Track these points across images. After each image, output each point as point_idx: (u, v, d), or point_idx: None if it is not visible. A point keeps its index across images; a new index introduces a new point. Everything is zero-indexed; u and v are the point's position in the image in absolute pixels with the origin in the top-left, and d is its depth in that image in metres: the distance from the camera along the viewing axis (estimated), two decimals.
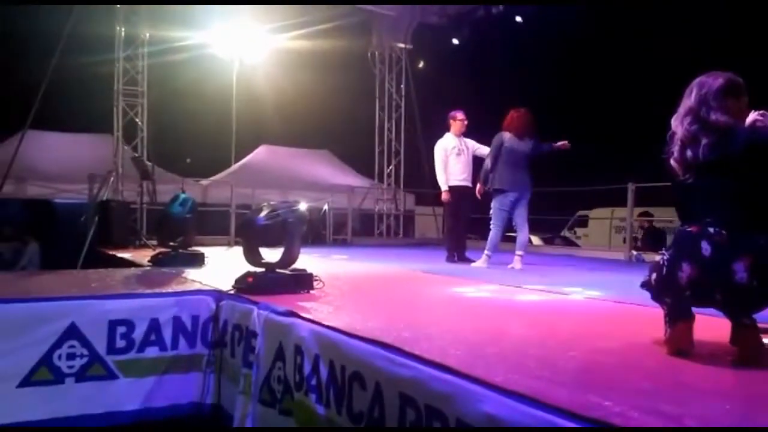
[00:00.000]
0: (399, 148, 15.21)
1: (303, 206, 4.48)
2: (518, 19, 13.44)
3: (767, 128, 2.61)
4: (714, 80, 2.65)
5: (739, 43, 13.70)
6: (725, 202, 2.50)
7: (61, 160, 13.18)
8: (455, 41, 14.56)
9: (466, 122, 7.67)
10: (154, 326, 3.75)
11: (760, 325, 2.56)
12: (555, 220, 16.97)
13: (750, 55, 12.52)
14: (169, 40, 12.33)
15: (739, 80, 2.67)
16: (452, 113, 7.72)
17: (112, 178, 10.98)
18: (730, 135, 2.54)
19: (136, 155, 11.41)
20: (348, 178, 15.73)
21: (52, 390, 3.46)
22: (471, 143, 7.69)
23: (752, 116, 2.73)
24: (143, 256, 6.86)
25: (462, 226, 7.90)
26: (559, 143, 6.97)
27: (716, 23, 14.05)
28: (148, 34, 12.14)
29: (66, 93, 13.28)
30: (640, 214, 12.36)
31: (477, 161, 7.62)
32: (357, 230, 13.85)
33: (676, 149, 2.64)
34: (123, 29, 11.91)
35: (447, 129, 7.72)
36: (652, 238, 10.99)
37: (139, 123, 12.18)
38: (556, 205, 14.13)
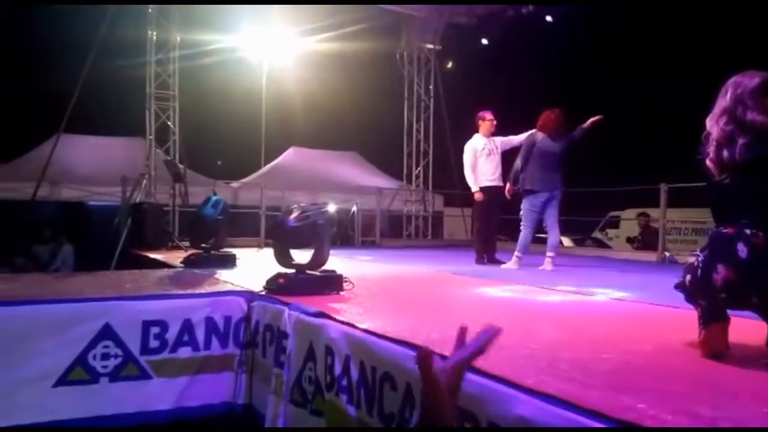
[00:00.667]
0: (428, 149, 15.18)
1: (332, 208, 4.51)
2: (548, 18, 13.32)
3: None
4: (750, 80, 2.61)
5: None
6: (762, 203, 2.46)
7: (94, 163, 13.43)
8: (484, 41, 14.49)
9: (495, 122, 7.63)
10: (187, 327, 3.81)
11: None
12: (586, 221, 16.79)
13: None
14: (200, 44, 12.49)
15: None
16: (481, 113, 7.69)
17: (144, 181, 11.13)
18: (767, 135, 2.50)
19: (169, 158, 11.54)
20: (376, 179, 15.76)
21: (87, 389, 3.53)
22: (499, 141, 7.65)
23: None
24: (176, 257, 6.95)
25: (492, 227, 7.86)
26: (590, 120, 6.91)
27: (752, 22, 13.79)
28: (179, 38, 12.30)
29: (99, 97, 13.53)
30: (639, 215, 12.29)
31: (507, 159, 7.57)
32: (385, 232, 13.85)
33: (711, 149, 2.60)
34: (155, 33, 12.09)
35: (476, 130, 7.69)
36: (651, 238, 10.94)
37: (171, 126, 12.33)
38: (587, 206, 13.98)
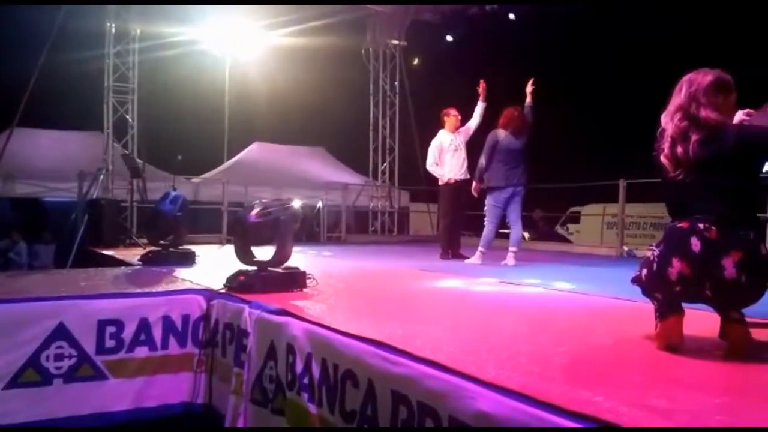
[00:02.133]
0: (393, 145, 15.17)
1: (296, 204, 4.46)
2: (511, 16, 13.44)
3: (755, 126, 2.62)
4: (704, 77, 2.66)
5: (728, 42, 13.74)
6: (715, 199, 2.51)
7: (50, 158, 13.08)
8: (449, 38, 14.54)
9: (459, 118, 7.70)
10: (144, 326, 3.73)
11: (748, 319, 2.58)
12: (548, 216, 16.99)
13: (739, 53, 12.57)
14: (161, 36, 12.24)
15: (728, 77, 2.68)
16: (445, 110, 7.77)
17: (102, 176, 10.90)
18: (719, 132, 2.55)
19: (127, 153, 11.35)
20: (342, 175, 15.68)
21: (39, 391, 3.43)
22: (463, 134, 7.71)
23: (739, 115, 2.75)
24: (133, 254, 6.84)
25: (457, 222, 7.92)
26: (528, 93, 7.09)
27: (706, 22, 14.09)
28: (138, 30, 12.06)
29: (55, 90, 13.16)
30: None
31: (472, 154, 7.63)
32: (351, 228, 13.82)
33: (666, 146, 2.64)
34: (113, 25, 11.84)
35: (441, 126, 7.76)
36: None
37: (130, 120, 12.11)
38: (548, 202, 14.16)
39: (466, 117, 7.74)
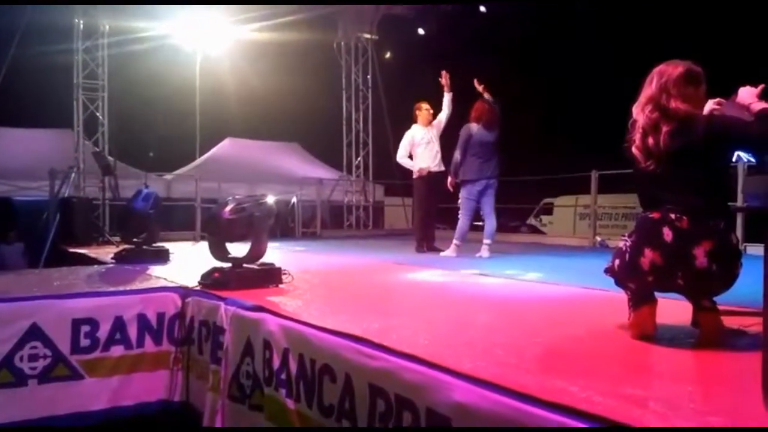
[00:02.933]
0: (367, 140, 15.16)
1: (270, 199, 4.43)
2: (482, 9, 13.49)
3: (724, 116, 2.66)
4: (674, 69, 2.69)
5: (697, 33, 13.94)
6: (686, 189, 2.54)
7: (19, 157, 12.81)
8: (421, 31, 14.55)
9: (431, 111, 7.72)
10: (119, 324, 3.70)
11: (720, 307, 2.63)
12: (521, 208, 17.14)
13: (708, 43, 12.77)
14: (130, 32, 12.05)
15: (698, 69, 2.71)
16: (417, 104, 7.78)
17: (73, 174, 10.74)
18: (689, 123, 2.58)
19: (98, 150, 11.20)
20: (316, 170, 15.63)
21: (13, 392, 3.38)
22: (436, 126, 7.73)
23: (709, 105, 2.78)
24: (107, 253, 6.75)
25: (431, 215, 7.95)
26: (482, 89, 7.18)
27: (676, 13, 14.28)
28: (107, 26, 11.88)
29: (23, 87, 12.94)
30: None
31: (446, 150, 7.66)
32: (326, 223, 13.79)
33: (637, 137, 2.67)
34: (82, 21, 11.64)
35: (414, 120, 7.77)
36: None
37: (100, 117, 11.95)
38: (522, 194, 14.26)
39: (438, 111, 7.75)
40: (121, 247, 6.32)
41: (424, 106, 7.73)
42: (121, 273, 5.10)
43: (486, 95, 7.11)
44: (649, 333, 2.60)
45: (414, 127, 7.75)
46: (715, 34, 13.90)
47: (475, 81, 7.17)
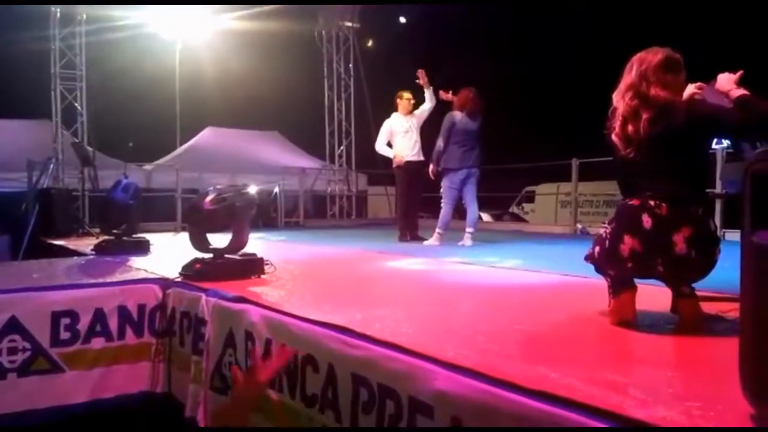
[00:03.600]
0: (350, 129, 15.11)
1: (252, 189, 4.41)
2: None
3: (704, 102, 2.68)
4: (654, 56, 2.70)
5: (676, 19, 14.03)
6: (665, 176, 2.56)
7: None
8: (402, 20, 14.49)
9: (412, 101, 7.71)
10: (99, 316, 3.66)
11: (699, 293, 2.65)
12: (504, 196, 17.20)
13: (687, 30, 12.85)
14: (108, 20, 11.90)
15: (677, 56, 2.72)
16: (399, 93, 7.76)
17: (51, 165, 10.63)
18: (669, 110, 2.59)
19: (76, 140, 11.08)
20: (298, 159, 15.56)
21: None
22: (417, 116, 7.73)
23: (690, 89, 2.79)
24: (86, 244, 6.69)
25: (414, 204, 7.95)
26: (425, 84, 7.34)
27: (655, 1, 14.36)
28: (85, 14, 11.71)
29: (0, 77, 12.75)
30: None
31: (426, 139, 7.66)
32: (309, 212, 13.75)
33: (617, 124, 2.68)
34: (58, 9, 11.45)
35: (395, 108, 7.76)
36: None
37: (79, 107, 11.80)
38: (504, 182, 14.33)
39: (420, 99, 7.74)
40: (101, 239, 6.27)
41: (406, 95, 7.71)
42: (101, 265, 5.05)
43: (429, 90, 7.14)
44: (629, 319, 2.62)
45: (394, 115, 7.74)
46: (694, 20, 13.99)
47: (420, 73, 7.24)
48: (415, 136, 7.67)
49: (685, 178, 2.57)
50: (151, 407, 3.75)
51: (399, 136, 7.63)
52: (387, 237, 8.16)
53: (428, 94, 7.59)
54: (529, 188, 19.40)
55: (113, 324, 3.69)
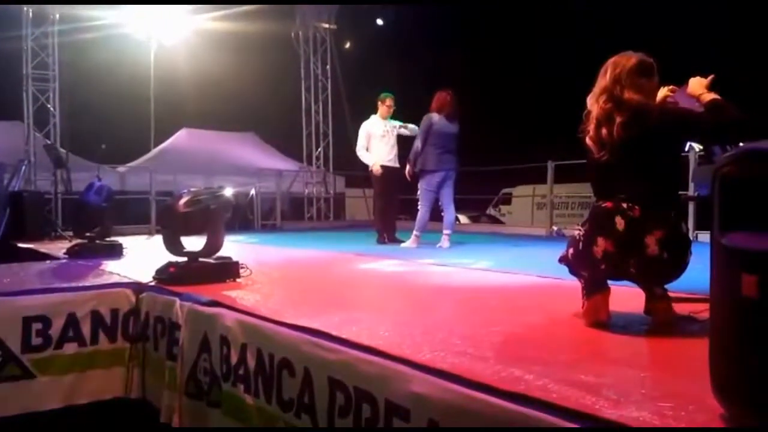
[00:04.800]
0: (327, 130, 15.07)
1: (228, 191, 4.37)
2: None
3: (676, 106, 2.72)
4: (627, 60, 2.73)
5: (649, 24, 14.22)
6: (638, 178, 2.59)
7: None
8: (380, 21, 14.50)
9: (392, 108, 7.74)
10: (72, 321, 3.60)
11: (671, 294, 2.69)
12: (481, 198, 17.29)
13: (660, 34, 13.02)
14: (82, 19, 11.75)
15: (650, 60, 2.76)
16: (381, 96, 7.77)
17: (23, 168, 10.46)
18: (642, 113, 2.62)
19: (49, 142, 10.91)
20: (275, 161, 15.47)
21: None
22: (395, 124, 7.75)
23: (663, 92, 2.84)
24: (59, 248, 6.59)
25: (391, 206, 7.97)
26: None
27: (628, 5, 14.53)
28: (58, 15, 11.55)
29: None
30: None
31: (404, 142, 7.69)
32: (286, 214, 13.68)
33: (591, 127, 2.71)
34: (31, 9, 11.29)
35: (375, 110, 7.77)
36: None
37: (51, 108, 11.64)
38: (481, 184, 14.39)
39: (396, 100, 7.74)
40: (74, 242, 6.19)
41: (388, 101, 7.72)
42: (74, 269, 4.98)
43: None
44: (603, 320, 2.65)
45: (372, 118, 7.76)
46: (667, 25, 14.19)
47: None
48: (392, 141, 7.70)
49: (657, 181, 2.60)
50: (125, 413, 3.70)
51: (376, 140, 7.64)
52: (365, 239, 8.15)
53: (410, 129, 7.59)
54: (505, 190, 19.52)
55: (86, 329, 3.64)
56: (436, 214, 7.27)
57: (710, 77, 2.67)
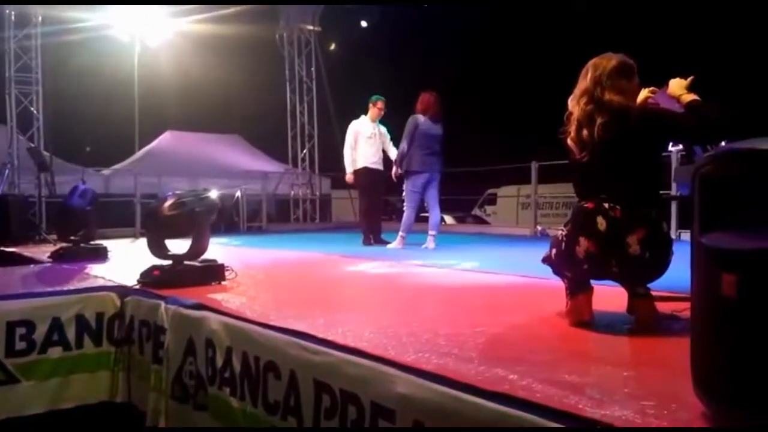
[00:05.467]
0: (313, 132, 15.05)
1: (213, 194, 4.36)
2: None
3: (657, 108, 2.75)
4: (608, 61, 2.76)
5: (629, 25, 14.33)
6: (619, 179, 2.62)
7: None
8: (363, 24, 14.51)
9: (383, 112, 7.76)
10: (57, 326, 3.58)
11: (654, 293, 2.71)
12: (466, 199, 17.34)
13: (640, 35, 13.14)
14: (65, 21, 11.65)
15: (630, 61, 2.79)
16: (373, 98, 7.78)
17: (7, 171, 10.38)
18: (623, 115, 2.65)
19: (33, 146, 10.81)
20: (261, 163, 15.41)
21: None
22: (384, 130, 7.78)
23: (643, 94, 2.87)
24: (43, 251, 6.54)
25: (377, 208, 7.98)
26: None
27: (610, 6, 14.63)
28: (41, 17, 11.46)
29: None
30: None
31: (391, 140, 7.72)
32: (272, 216, 13.64)
33: (572, 129, 2.73)
34: (13, 11, 11.18)
35: (364, 111, 7.79)
36: None
37: (35, 111, 11.54)
38: (466, 185, 14.44)
39: (390, 107, 7.77)
40: (58, 246, 6.15)
41: (379, 104, 7.74)
42: (58, 272, 4.95)
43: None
44: (586, 320, 2.67)
45: (362, 118, 7.80)
46: (646, 26, 14.31)
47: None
48: (378, 143, 7.72)
49: (638, 181, 2.63)
50: (111, 417, 3.68)
51: (363, 140, 7.67)
52: (350, 241, 8.15)
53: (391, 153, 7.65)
54: (490, 191, 19.57)
55: (71, 333, 3.62)
56: (422, 215, 7.30)
57: (690, 78, 2.71)
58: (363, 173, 7.67)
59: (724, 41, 13.65)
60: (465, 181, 13.30)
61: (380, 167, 7.72)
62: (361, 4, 14.19)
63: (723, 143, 2.52)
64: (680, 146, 3.95)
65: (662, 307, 2.79)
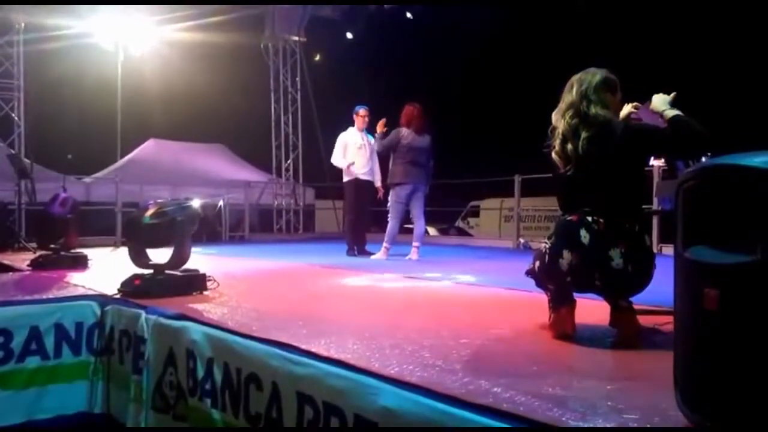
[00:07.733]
0: (297, 142, 15.04)
1: (196, 203, 4.33)
2: (408, 15, 13.64)
3: (640, 123, 2.78)
4: (593, 76, 2.80)
5: (613, 40, 14.48)
6: (602, 192, 2.64)
7: None
8: (349, 35, 14.56)
9: (367, 119, 7.77)
10: (35, 334, 3.53)
11: (636, 307, 2.73)
12: (450, 211, 17.38)
13: (622, 51, 13.28)
14: (47, 29, 11.58)
15: (614, 77, 2.84)
16: (356, 109, 7.82)
17: None
18: (607, 129, 2.68)
19: (13, 152, 10.69)
20: (244, 172, 15.32)
21: None
22: (372, 140, 7.79)
23: (627, 109, 2.90)
24: (22, 259, 6.45)
25: (362, 219, 7.98)
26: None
27: (592, 22, 14.79)
28: (23, 23, 11.37)
29: None
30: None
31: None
32: (255, 226, 13.57)
33: (557, 143, 2.75)
34: None
35: (351, 123, 7.82)
36: None
37: (16, 118, 11.43)
38: (450, 197, 14.47)
39: (374, 119, 7.78)
40: (38, 254, 6.07)
41: (361, 112, 7.78)
42: (38, 281, 4.89)
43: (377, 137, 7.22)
44: (569, 333, 2.68)
45: (350, 129, 7.84)
46: (629, 42, 14.48)
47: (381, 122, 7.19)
48: (367, 153, 7.73)
49: (621, 195, 2.65)
50: (89, 428, 3.63)
51: (353, 151, 7.69)
52: (334, 252, 8.13)
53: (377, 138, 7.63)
54: (474, 203, 19.64)
55: (49, 342, 3.57)
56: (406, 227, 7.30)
57: (673, 94, 2.74)
58: (353, 184, 7.67)
59: (706, 55, 13.85)
60: (448, 193, 13.34)
61: (370, 178, 7.75)
62: (347, 8, 14.22)
63: (704, 158, 2.56)
64: (662, 161, 3.98)
65: (644, 320, 2.81)
